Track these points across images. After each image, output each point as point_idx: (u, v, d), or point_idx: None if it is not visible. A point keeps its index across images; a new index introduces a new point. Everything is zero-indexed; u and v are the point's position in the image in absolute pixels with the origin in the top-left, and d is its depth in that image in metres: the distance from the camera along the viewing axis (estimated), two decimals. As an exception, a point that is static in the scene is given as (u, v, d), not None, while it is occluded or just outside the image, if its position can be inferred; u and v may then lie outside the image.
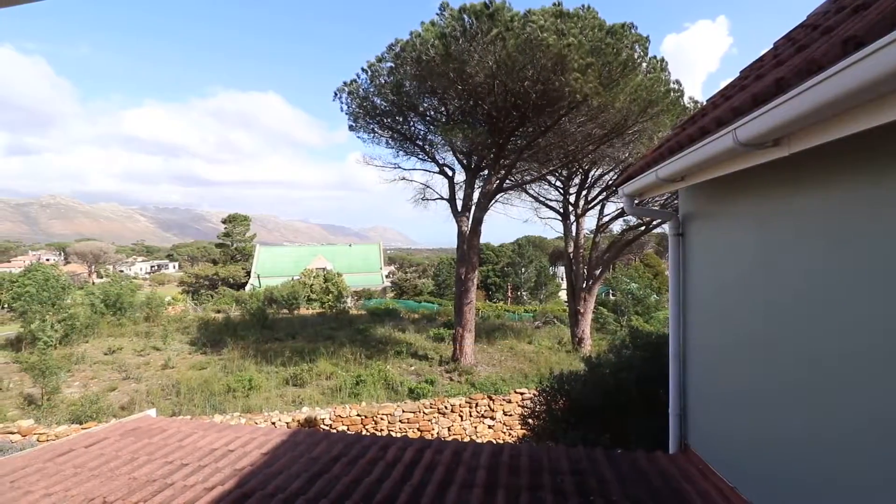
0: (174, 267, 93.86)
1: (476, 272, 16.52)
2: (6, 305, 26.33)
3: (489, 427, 10.34)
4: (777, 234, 2.38)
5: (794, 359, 2.21)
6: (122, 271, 61.93)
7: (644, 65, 12.55)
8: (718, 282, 3.12)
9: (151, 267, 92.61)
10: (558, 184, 19.54)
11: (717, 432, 3.12)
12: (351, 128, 16.51)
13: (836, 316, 1.92)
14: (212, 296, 34.77)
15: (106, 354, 16.10)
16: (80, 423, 9.17)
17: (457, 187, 16.49)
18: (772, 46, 3.29)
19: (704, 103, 3.74)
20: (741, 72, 3.42)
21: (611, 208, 19.28)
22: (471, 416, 10.23)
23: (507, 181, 16.39)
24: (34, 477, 3.57)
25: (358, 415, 9.60)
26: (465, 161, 16.29)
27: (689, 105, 14.14)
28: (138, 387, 12.99)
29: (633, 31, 11.78)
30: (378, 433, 9.53)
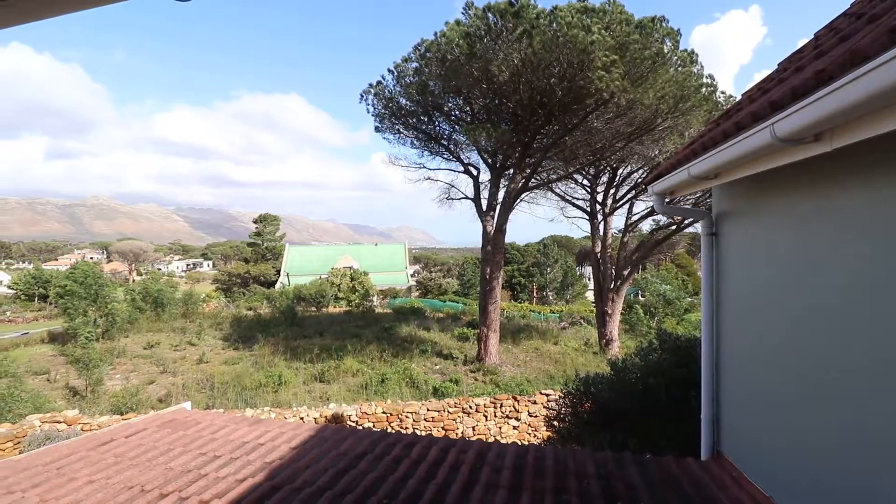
0: (208, 265, 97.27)
1: (501, 272, 16.44)
2: (53, 301, 27.87)
3: (514, 428, 10.27)
4: (818, 234, 2.27)
5: (836, 363, 2.10)
6: (159, 269, 64.60)
7: (675, 59, 12.21)
8: (755, 283, 3.00)
9: (187, 265, 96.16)
10: (585, 182, 19.22)
11: (753, 439, 3.01)
12: (377, 129, 16.70)
13: (882, 318, 1.82)
14: (244, 293, 35.82)
15: (145, 349, 16.82)
16: (121, 414, 9.61)
17: (482, 186, 16.46)
18: (812, 37, 3.15)
19: (739, 98, 3.61)
20: (779, 64, 3.29)
21: (640, 207, 18.84)
22: (495, 416, 10.18)
23: (533, 180, 16.24)
24: (78, 465, 3.76)
25: (383, 412, 9.71)
26: (489, 160, 16.23)
27: (721, 100, 13.67)
28: (175, 380, 13.51)
29: (663, 24, 11.47)
30: (403, 431, 9.61)
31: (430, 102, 14.50)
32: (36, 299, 36.29)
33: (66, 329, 17.61)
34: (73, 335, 16.48)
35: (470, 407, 10.13)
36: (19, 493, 3.28)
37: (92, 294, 17.36)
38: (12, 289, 40.13)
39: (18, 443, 8.24)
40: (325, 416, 9.45)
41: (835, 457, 2.12)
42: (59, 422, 8.95)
